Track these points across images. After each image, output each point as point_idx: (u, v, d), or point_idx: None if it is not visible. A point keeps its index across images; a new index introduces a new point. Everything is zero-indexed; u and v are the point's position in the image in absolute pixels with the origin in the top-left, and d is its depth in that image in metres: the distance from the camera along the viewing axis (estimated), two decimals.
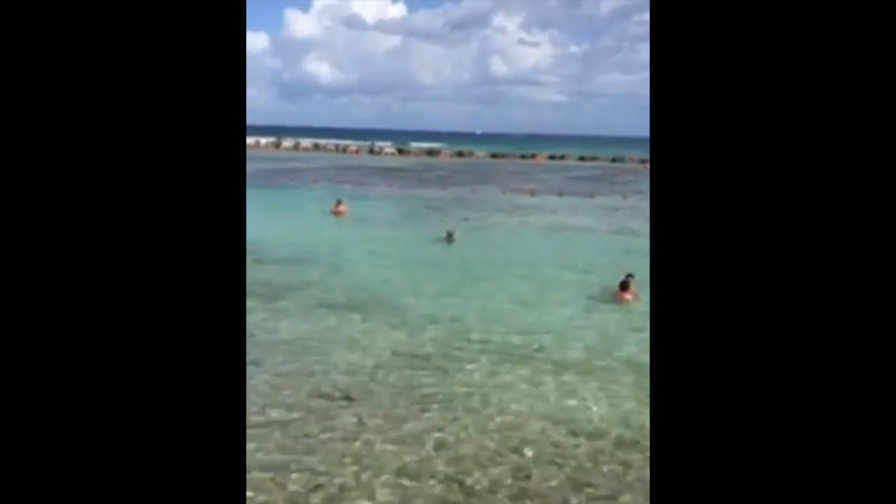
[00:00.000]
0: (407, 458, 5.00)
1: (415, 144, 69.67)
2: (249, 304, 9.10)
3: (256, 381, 6.37)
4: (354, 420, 5.64)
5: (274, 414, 5.68)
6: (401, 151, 61.72)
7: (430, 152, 61.12)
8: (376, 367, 6.97)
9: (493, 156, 58.67)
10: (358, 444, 5.22)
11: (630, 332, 8.28)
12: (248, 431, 5.26)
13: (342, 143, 65.08)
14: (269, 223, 16.56)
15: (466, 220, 14.40)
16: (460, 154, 59.45)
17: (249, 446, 5.00)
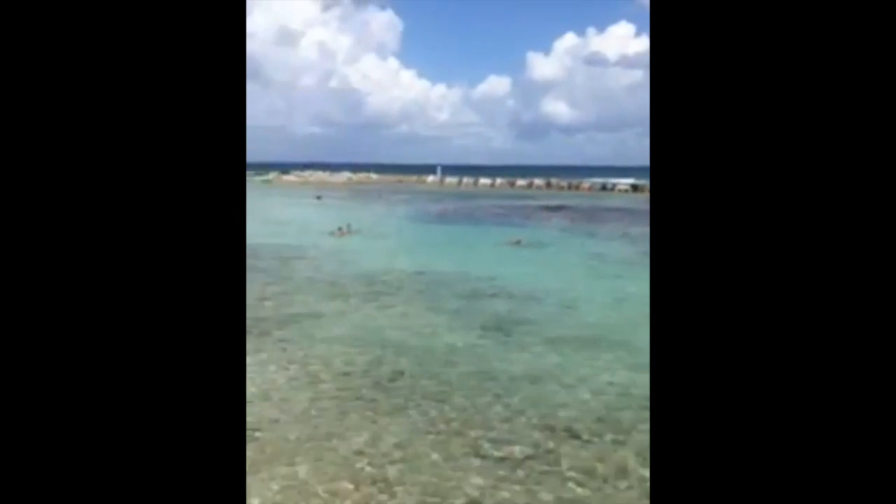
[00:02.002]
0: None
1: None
2: (480, 338, 9.42)
3: (487, 413, 6.57)
4: (581, 462, 5.56)
5: (503, 447, 5.80)
6: (635, 188, 60.19)
7: None
8: (606, 406, 6.82)
9: None
10: (581, 487, 5.12)
11: None
12: (480, 463, 5.42)
13: (574, 181, 65.23)
14: (499, 260, 17.07)
15: None
16: None
17: (482, 478, 5.15)
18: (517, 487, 5.05)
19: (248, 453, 5.06)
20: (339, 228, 24.22)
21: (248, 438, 4.89)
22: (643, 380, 7.67)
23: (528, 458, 5.58)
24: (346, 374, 7.81)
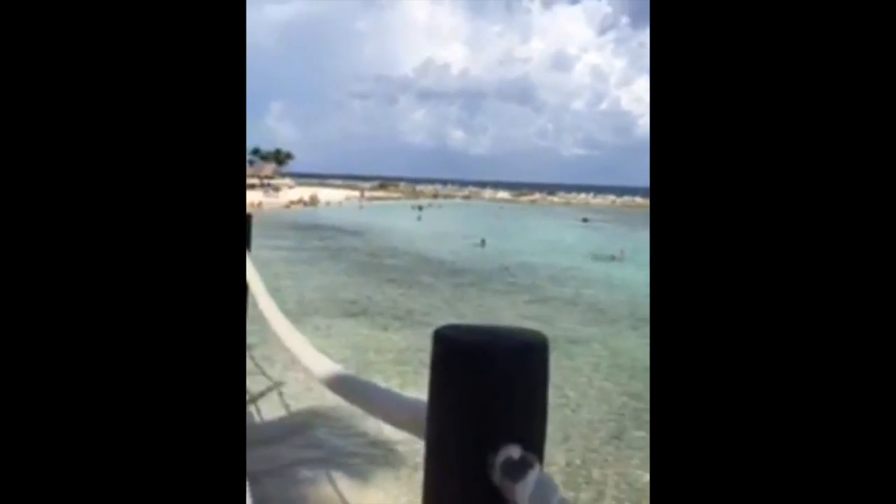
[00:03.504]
0: None
1: None
2: None
3: None
4: None
5: None
6: None
7: None
8: None
9: None
10: None
11: None
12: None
13: None
14: None
15: None
16: None
17: None
18: None
19: None
20: (612, 257, 24.82)
21: None
22: None
23: None
24: (604, 402, 7.51)
